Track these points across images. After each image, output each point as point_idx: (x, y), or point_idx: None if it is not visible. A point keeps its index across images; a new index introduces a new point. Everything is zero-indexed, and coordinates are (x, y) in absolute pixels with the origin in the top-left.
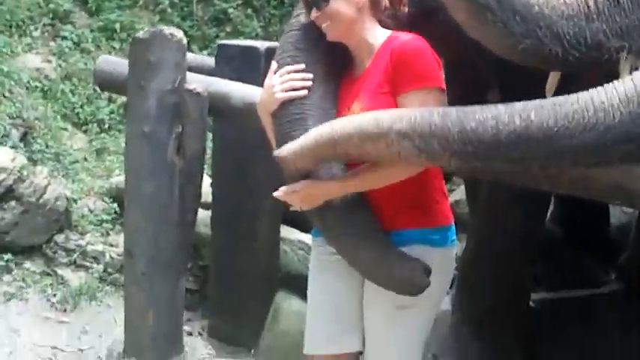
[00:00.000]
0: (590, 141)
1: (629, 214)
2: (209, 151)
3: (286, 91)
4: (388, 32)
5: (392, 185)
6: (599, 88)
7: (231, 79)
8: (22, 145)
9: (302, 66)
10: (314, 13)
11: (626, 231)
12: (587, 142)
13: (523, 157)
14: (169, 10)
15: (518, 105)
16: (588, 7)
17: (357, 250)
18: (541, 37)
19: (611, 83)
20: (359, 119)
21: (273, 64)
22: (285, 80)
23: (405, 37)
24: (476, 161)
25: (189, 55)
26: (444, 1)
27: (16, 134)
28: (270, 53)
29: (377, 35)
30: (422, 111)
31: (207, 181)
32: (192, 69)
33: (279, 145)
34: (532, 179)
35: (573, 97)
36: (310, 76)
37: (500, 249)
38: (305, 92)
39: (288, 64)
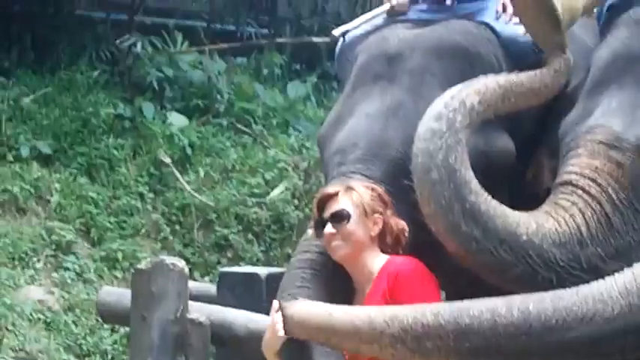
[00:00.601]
0: (590, 333)
1: None
2: None
3: None
4: (386, 257)
5: None
6: (600, 280)
7: (233, 306)
8: None
9: None
10: (328, 230)
11: None
12: (586, 335)
13: (522, 351)
14: (171, 237)
15: (517, 297)
16: (581, 232)
17: None
18: (532, 264)
19: (610, 275)
20: (353, 317)
21: (275, 304)
22: None
23: (401, 261)
24: (473, 357)
25: (191, 283)
26: (434, 230)
27: None
28: (271, 279)
29: (377, 262)
30: (414, 311)
31: None
32: (194, 297)
33: None
34: None
35: (573, 289)
36: None
37: None
38: None
39: (291, 299)
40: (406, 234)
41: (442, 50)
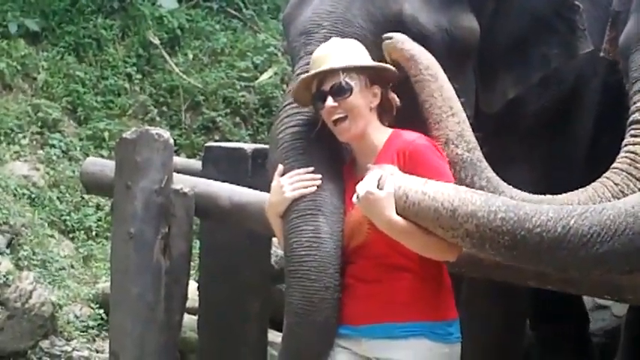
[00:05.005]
0: (620, 247)
1: (618, 319)
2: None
3: (296, 189)
4: (389, 130)
5: (407, 279)
6: (632, 195)
7: (218, 180)
8: (8, 251)
9: (310, 168)
10: (329, 103)
11: (616, 335)
12: (617, 249)
13: (562, 263)
14: (158, 118)
15: (564, 211)
16: None
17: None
18: None
19: None
20: (438, 204)
21: (279, 167)
22: (295, 181)
23: (409, 135)
24: (520, 263)
25: (177, 159)
26: None
27: (2, 240)
28: (256, 155)
29: (379, 134)
30: (489, 210)
31: (193, 285)
32: (179, 172)
33: (286, 243)
34: (520, 276)
35: (609, 204)
36: (319, 176)
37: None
38: (315, 189)
39: (293, 167)
40: (398, 104)
41: None
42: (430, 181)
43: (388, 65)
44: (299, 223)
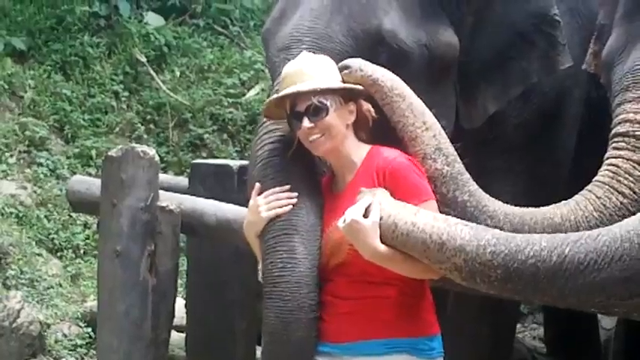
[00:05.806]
0: (619, 274)
1: (608, 331)
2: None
3: (272, 209)
4: (367, 147)
5: (389, 295)
6: (627, 219)
7: (204, 197)
8: None
9: (287, 186)
10: (306, 125)
11: (606, 349)
12: (615, 275)
13: (559, 292)
14: (145, 136)
15: (558, 240)
16: None
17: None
18: None
19: (637, 214)
20: (426, 237)
21: (257, 186)
22: (271, 200)
23: (389, 153)
24: (511, 294)
25: (164, 176)
26: None
27: None
28: (243, 171)
29: (357, 151)
30: (477, 244)
31: (180, 302)
32: (165, 189)
33: (263, 263)
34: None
35: (604, 229)
36: (295, 194)
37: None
38: (290, 207)
39: (271, 185)
40: (373, 115)
41: None
42: (421, 211)
43: (357, 86)
44: (274, 244)
